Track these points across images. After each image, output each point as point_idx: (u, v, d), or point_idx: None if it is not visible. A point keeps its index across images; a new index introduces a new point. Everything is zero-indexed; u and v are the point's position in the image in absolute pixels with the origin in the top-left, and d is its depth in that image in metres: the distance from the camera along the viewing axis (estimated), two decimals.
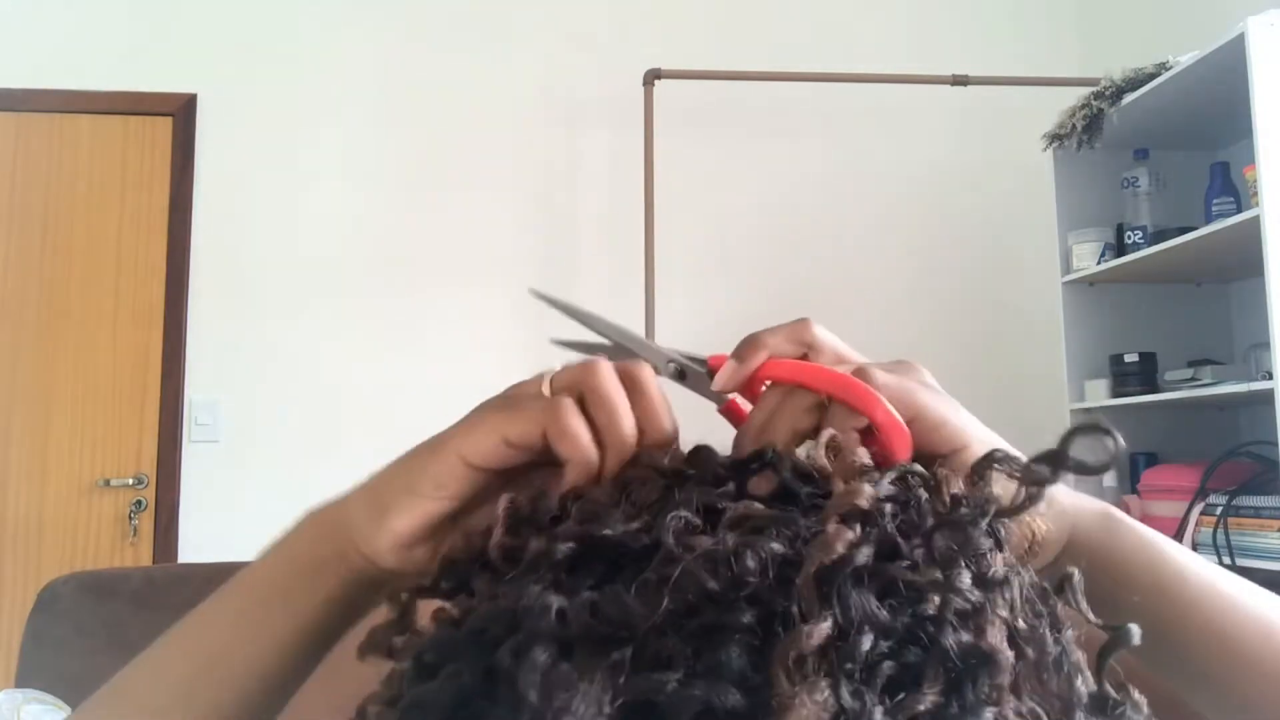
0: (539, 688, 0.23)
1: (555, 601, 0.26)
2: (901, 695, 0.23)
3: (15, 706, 0.97)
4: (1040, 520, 0.40)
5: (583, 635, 0.25)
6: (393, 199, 2.94)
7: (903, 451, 0.36)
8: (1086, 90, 2.37)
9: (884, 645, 0.24)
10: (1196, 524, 2.02)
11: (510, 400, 0.38)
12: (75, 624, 1.12)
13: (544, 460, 0.37)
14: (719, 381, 0.41)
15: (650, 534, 0.28)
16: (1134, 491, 2.28)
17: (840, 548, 0.25)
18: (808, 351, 0.41)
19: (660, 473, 0.34)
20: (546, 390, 0.38)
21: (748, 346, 0.41)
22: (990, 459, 0.33)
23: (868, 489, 0.28)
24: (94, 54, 2.90)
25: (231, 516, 2.77)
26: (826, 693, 0.22)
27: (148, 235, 2.87)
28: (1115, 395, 2.33)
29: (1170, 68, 2.15)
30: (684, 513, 0.29)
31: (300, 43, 2.97)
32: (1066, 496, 0.42)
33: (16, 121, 2.87)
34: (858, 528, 0.26)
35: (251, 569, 0.41)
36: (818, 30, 3.08)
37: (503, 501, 0.33)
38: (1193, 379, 2.20)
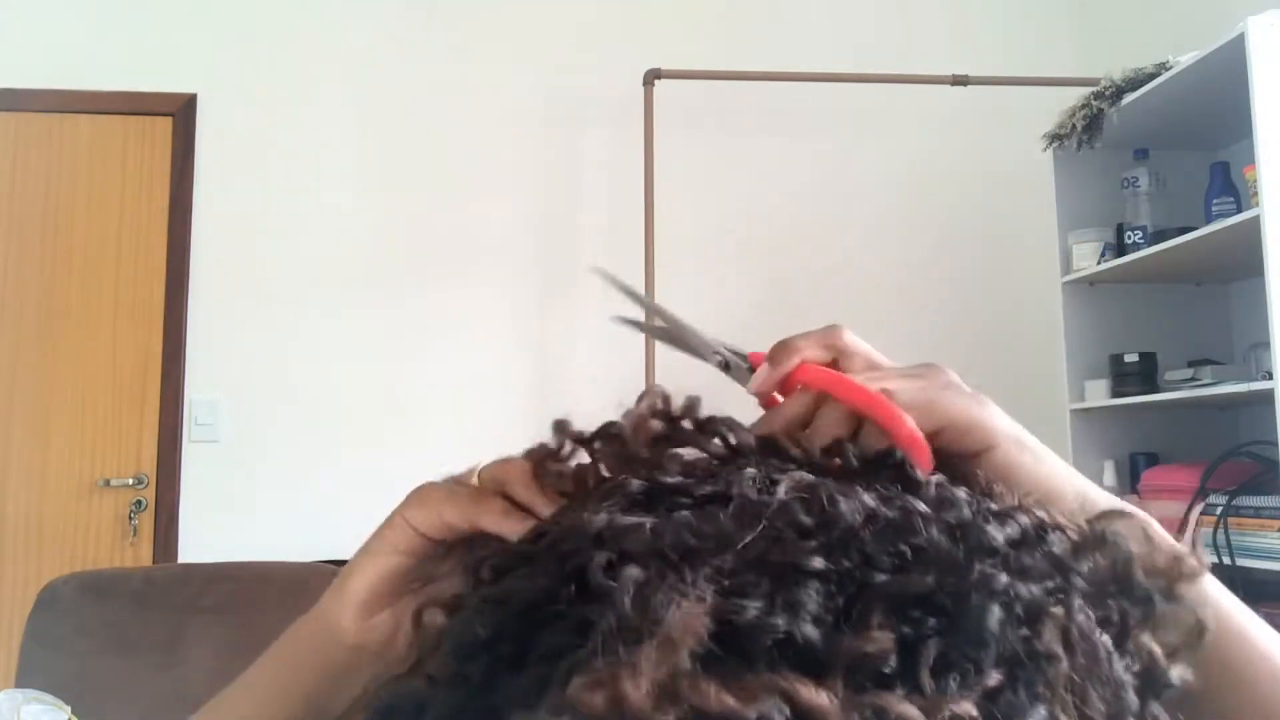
0: (633, 596, 0.24)
1: (648, 521, 0.27)
2: (955, 679, 0.23)
3: (15, 706, 0.97)
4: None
5: (675, 545, 0.26)
6: (392, 199, 2.94)
7: (924, 465, 0.37)
8: (1086, 90, 2.37)
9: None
10: (1196, 524, 2.02)
11: (451, 488, 0.42)
12: (75, 624, 1.12)
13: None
14: (754, 384, 0.43)
15: (713, 482, 0.30)
16: (1134, 491, 2.28)
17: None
18: (838, 356, 0.42)
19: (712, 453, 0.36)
20: (475, 481, 0.42)
21: (781, 351, 0.42)
22: (1107, 518, 0.32)
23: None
24: (94, 54, 2.90)
25: (231, 516, 2.77)
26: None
27: (148, 235, 2.87)
28: (1115, 395, 2.33)
29: (1170, 68, 2.15)
30: (754, 471, 0.30)
31: (300, 43, 2.97)
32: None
33: (16, 121, 2.87)
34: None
35: (246, 678, 0.45)
36: (817, 30, 3.08)
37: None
38: (1193, 379, 2.20)
